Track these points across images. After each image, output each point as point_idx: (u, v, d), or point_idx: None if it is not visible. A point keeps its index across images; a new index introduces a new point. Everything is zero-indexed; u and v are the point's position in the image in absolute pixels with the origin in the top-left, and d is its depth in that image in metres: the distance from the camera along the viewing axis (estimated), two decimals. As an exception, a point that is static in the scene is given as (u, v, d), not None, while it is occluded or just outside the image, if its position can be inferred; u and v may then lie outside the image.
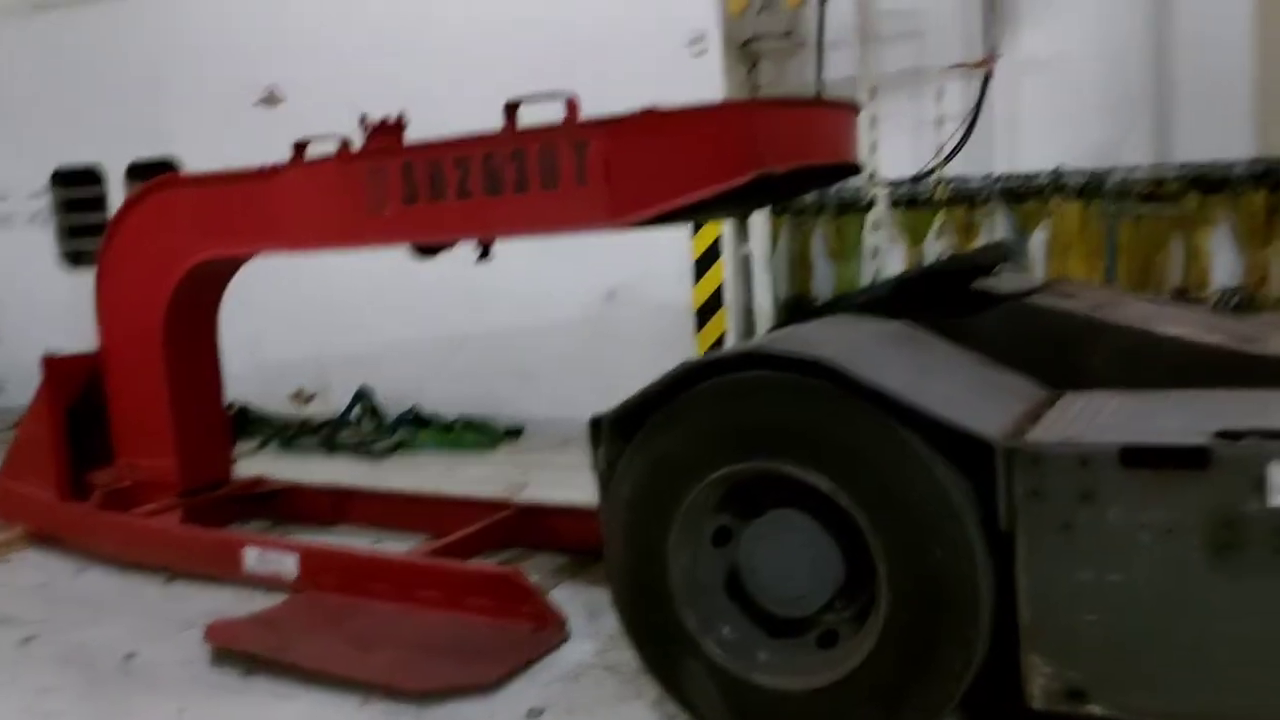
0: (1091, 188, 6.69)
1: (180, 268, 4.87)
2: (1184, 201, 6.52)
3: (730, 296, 7.05)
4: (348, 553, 4.63)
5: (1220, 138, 6.51)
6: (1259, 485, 2.40)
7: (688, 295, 7.09)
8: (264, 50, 8.09)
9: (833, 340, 3.10)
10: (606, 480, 3.28)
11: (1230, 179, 6.41)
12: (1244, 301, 6.41)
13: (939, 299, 3.74)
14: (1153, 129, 6.68)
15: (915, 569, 2.75)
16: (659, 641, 3.18)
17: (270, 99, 8.09)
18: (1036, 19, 6.98)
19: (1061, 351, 3.31)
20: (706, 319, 7.09)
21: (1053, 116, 6.97)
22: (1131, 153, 6.71)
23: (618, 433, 3.23)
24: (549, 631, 3.85)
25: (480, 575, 4.10)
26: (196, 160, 7.59)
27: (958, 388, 3.02)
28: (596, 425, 3.29)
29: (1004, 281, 3.82)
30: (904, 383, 2.81)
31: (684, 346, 6.96)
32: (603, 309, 7.42)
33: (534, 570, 4.55)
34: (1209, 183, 6.46)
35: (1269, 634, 2.45)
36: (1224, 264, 6.60)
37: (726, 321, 7.06)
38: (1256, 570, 2.43)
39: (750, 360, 2.99)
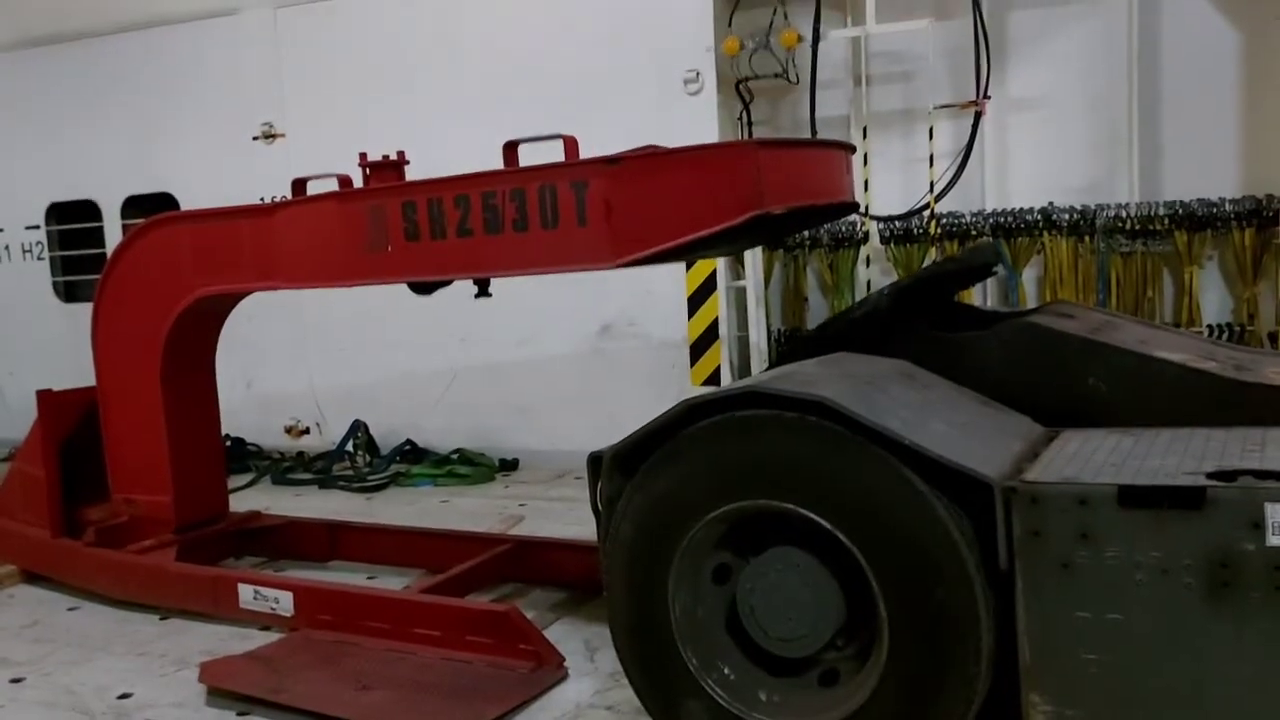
0: (1082, 224, 6.77)
1: (179, 303, 4.88)
2: (1172, 239, 6.59)
3: (725, 330, 7.10)
4: (343, 590, 4.60)
5: (1207, 176, 6.60)
6: (1254, 525, 2.43)
7: (682, 329, 7.14)
8: (263, 86, 8.15)
9: (833, 379, 3.13)
10: (607, 517, 3.29)
11: (1218, 216, 6.49)
12: (1235, 337, 6.47)
13: (938, 310, 3.80)
14: (1141, 167, 6.78)
15: (916, 608, 2.77)
16: (659, 681, 3.18)
17: (268, 135, 8.15)
18: (1024, 61, 7.10)
19: (1061, 372, 3.36)
20: (701, 353, 7.13)
21: (1042, 155, 7.07)
22: (1120, 190, 6.79)
23: (618, 469, 3.25)
24: (547, 670, 3.84)
25: (477, 613, 4.09)
26: (194, 195, 7.64)
27: (956, 427, 3.05)
28: (596, 462, 3.30)
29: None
30: (903, 422, 2.84)
31: (678, 380, 7.00)
32: (597, 343, 7.46)
33: (531, 607, 4.54)
34: (1197, 220, 6.54)
35: (1265, 674, 2.47)
36: (1214, 300, 6.67)
37: (721, 355, 7.10)
38: (1252, 610, 2.45)
39: (752, 399, 3.01)
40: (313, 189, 4.49)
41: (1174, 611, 2.52)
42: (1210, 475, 2.54)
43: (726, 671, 3.11)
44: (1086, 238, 6.77)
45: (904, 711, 2.80)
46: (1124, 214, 6.67)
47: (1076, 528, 2.58)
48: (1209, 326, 6.56)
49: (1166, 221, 6.59)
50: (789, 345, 3.76)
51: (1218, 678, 2.51)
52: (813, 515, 2.88)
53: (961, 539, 2.70)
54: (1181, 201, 6.57)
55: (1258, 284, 6.47)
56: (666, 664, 3.15)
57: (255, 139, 8.19)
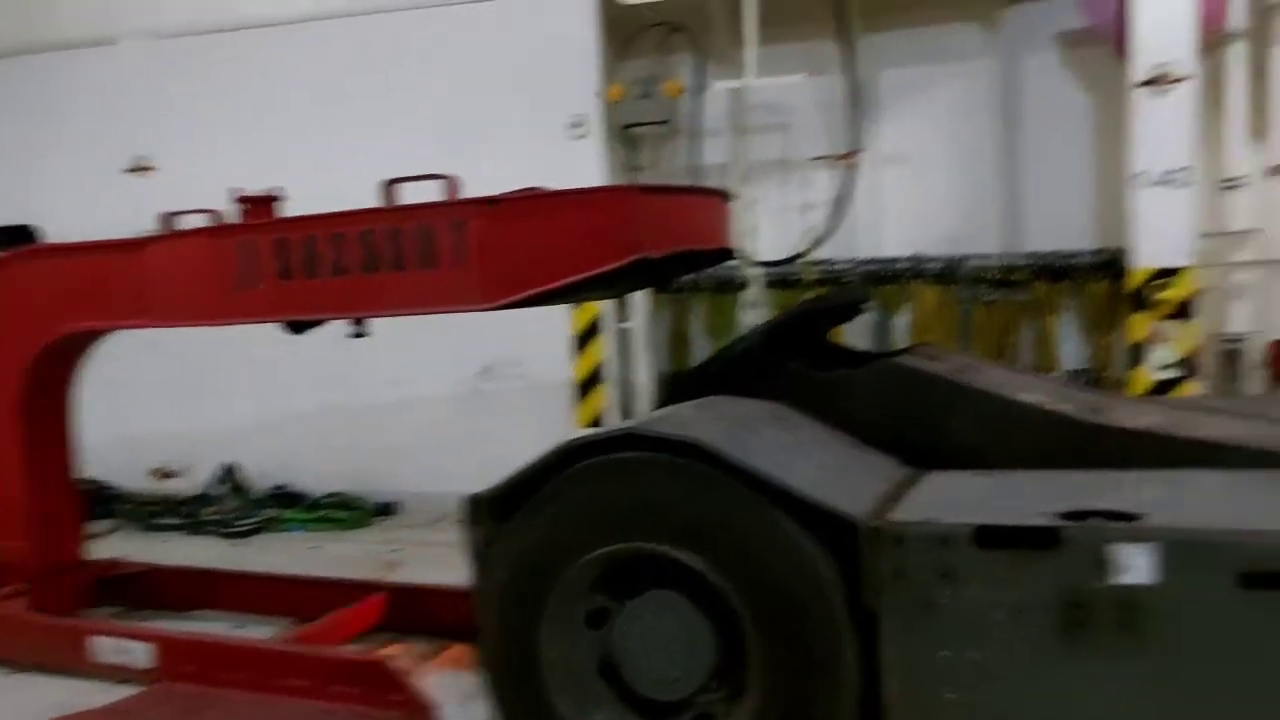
0: (947, 273, 7.06)
1: (41, 340, 4.67)
2: (1032, 288, 6.94)
3: (611, 372, 7.14)
4: (206, 640, 4.43)
5: (1065, 230, 6.98)
6: (1102, 565, 2.52)
7: (567, 370, 7.14)
8: (138, 118, 7.91)
9: (707, 421, 3.18)
10: (481, 562, 3.25)
11: (1074, 268, 6.86)
12: (1090, 383, 6.82)
13: (812, 349, 3.90)
14: (1004, 220, 7.12)
15: (785, 647, 2.81)
16: None
17: (141, 167, 7.89)
18: (896, 117, 7.41)
19: (927, 412, 3.47)
20: (587, 394, 7.15)
21: (912, 206, 7.36)
22: (984, 241, 7.12)
23: (492, 513, 3.22)
24: None
25: (347, 662, 3.98)
26: (64, 226, 7.32)
27: (825, 468, 3.13)
28: (472, 505, 3.27)
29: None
30: (774, 463, 2.90)
31: (563, 421, 6.99)
32: (479, 383, 7.40)
33: (405, 655, 4.43)
34: (1055, 271, 6.90)
35: (1115, 711, 2.55)
36: (1070, 348, 7.02)
37: (607, 397, 7.13)
38: (1102, 648, 2.54)
39: (626, 441, 3.04)
40: (185, 224, 4.36)
41: (1030, 650, 2.59)
42: (1063, 516, 2.63)
43: (600, 718, 3.10)
44: (952, 286, 7.07)
45: None
46: (987, 264, 6.99)
47: (938, 567, 2.65)
48: (1066, 373, 6.89)
49: (1027, 272, 6.94)
50: (671, 384, 3.84)
51: (1073, 715, 2.58)
52: (686, 557, 2.91)
53: (829, 579, 2.77)
54: (1041, 253, 6.93)
55: (1111, 333, 6.84)
56: (539, 711, 3.12)
57: (128, 171, 7.92)
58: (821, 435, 3.44)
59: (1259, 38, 6.41)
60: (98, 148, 7.97)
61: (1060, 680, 2.58)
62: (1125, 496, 2.79)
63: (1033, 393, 3.55)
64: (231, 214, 4.26)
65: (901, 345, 7.10)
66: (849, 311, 4.43)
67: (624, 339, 7.39)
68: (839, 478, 3.09)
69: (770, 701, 2.85)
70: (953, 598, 2.64)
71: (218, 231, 4.19)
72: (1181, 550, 2.48)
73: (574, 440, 3.11)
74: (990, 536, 2.61)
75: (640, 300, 7.43)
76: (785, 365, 3.77)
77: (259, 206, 4.22)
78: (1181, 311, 5.98)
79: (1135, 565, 2.50)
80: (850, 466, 3.26)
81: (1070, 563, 2.55)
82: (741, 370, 3.81)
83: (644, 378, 7.45)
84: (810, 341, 4.12)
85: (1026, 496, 2.88)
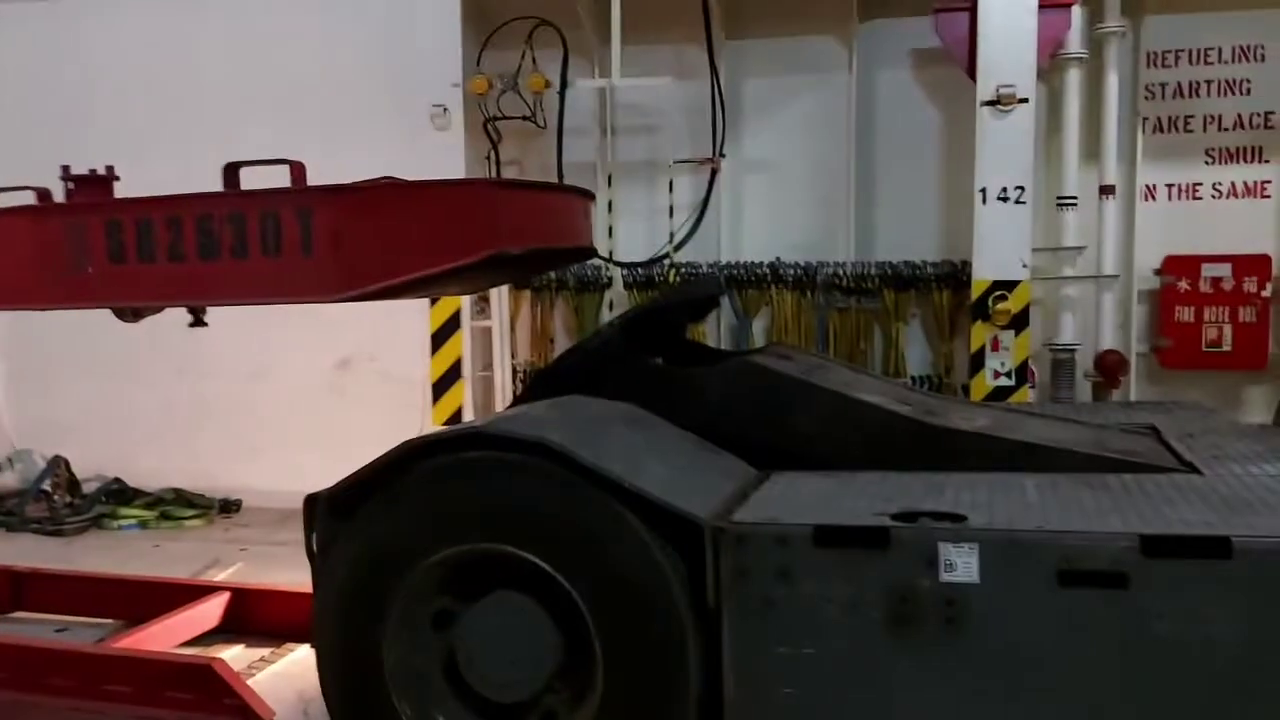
0: (805, 279, 7.25)
1: None
2: (882, 297, 7.18)
3: (468, 369, 7.03)
4: (23, 643, 4.16)
5: (913, 240, 7.24)
6: (930, 563, 2.63)
7: (425, 367, 7.01)
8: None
9: (557, 421, 3.17)
10: (321, 563, 3.16)
11: (920, 278, 7.14)
12: (933, 387, 7.10)
13: (669, 345, 3.94)
14: (857, 229, 7.34)
15: (630, 645, 2.83)
16: None
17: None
18: (757, 125, 7.54)
19: (775, 408, 3.58)
20: (443, 391, 7.03)
21: (772, 213, 7.51)
22: (839, 249, 7.33)
23: (333, 513, 3.13)
24: (254, 724, 3.61)
25: (177, 666, 3.81)
26: None
27: (675, 469, 3.16)
28: (312, 504, 3.17)
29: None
30: (624, 464, 2.91)
31: (420, 418, 6.85)
32: (334, 378, 7.20)
33: (242, 658, 4.28)
34: (903, 280, 7.16)
35: (942, 701, 2.66)
36: (916, 354, 7.30)
37: (464, 394, 7.02)
38: (928, 642, 2.65)
39: (472, 440, 2.99)
40: (7, 202, 4.07)
41: (862, 645, 2.68)
42: (894, 517, 2.73)
43: (440, 716, 3.04)
44: (809, 292, 7.25)
45: None
46: (841, 272, 7.20)
47: (777, 566, 2.71)
48: (912, 377, 7.17)
49: (877, 280, 7.18)
50: (529, 381, 3.83)
51: (901, 707, 2.68)
52: (532, 557, 2.89)
53: (674, 577, 2.79)
54: (890, 263, 7.18)
55: (953, 340, 7.14)
56: (380, 715, 3.04)
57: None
58: (673, 436, 3.47)
59: (1095, 64, 6.80)
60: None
61: (889, 674, 2.68)
62: (953, 498, 2.91)
63: (874, 394, 3.71)
64: (60, 193, 4.00)
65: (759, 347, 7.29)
66: (705, 305, 4.48)
67: (482, 336, 7.31)
68: (688, 479, 3.12)
69: (614, 701, 2.85)
70: (790, 595, 2.71)
71: (42, 211, 3.92)
72: (1003, 550, 2.61)
73: (418, 439, 3.05)
74: (826, 536, 2.69)
75: (499, 296, 7.36)
76: (641, 361, 3.81)
77: (91, 186, 3.97)
78: (1017, 322, 6.29)
79: (960, 564, 2.61)
80: (699, 468, 3.30)
81: (899, 561, 2.65)
82: (598, 365, 3.83)
83: (502, 376, 7.38)
84: (667, 337, 4.16)
85: (862, 497, 2.98)
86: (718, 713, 2.81)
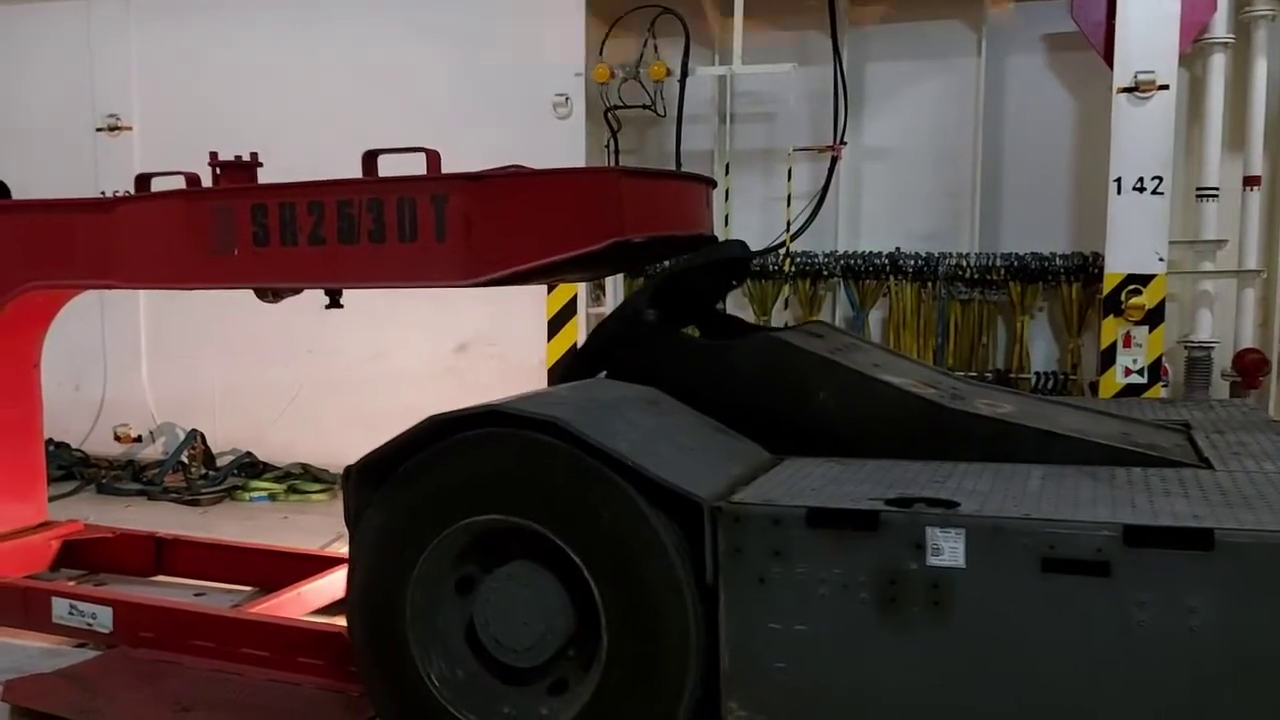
0: (925, 270, 7.10)
1: (4, 297, 4.58)
2: (1007, 289, 6.99)
3: (583, 355, 7.10)
4: (167, 605, 4.38)
5: (1041, 232, 7.02)
6: (917, 546, 2.68)
7: (542, 351, 7.12)
8: (111, 76, 7.79)
9: (572, 402, 3.29)
10: (354, 529, 3.32)
11: (1049, 270, 6.91)
12: (1059, 385, 6.89)
13: (698, 312, 3.99)
14: (981, 219, 7.16)
15: (633, 618, 2.93)
16: (396, 693, 3.24)
17: (114, 127, 7.77)
18: (880, 112, 7.42)
19: (796, 385, 3.59)
20: (558, 377, 7.12)
21: (892, 202, 7.38)
22: (962, 240, 7.16)
23: (365, 483, 3.29)
24: (381, 692, 3.73)
25: (309, 633, 3.97)
26: (32, 184, 7.19)
27: (684, 450, 3.23)
28: (347, 474, 3.34)
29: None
30: (632, 444, 3.01)
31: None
32: (453, 361, 7.36)
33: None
34: (1030, 273, 6.95)
35: (926, 681, 2.72)
36: (1042, 349, 7.08)
37: (578, 379, 7.10)
38: (915, 623, 2.70)
39: (490, 418, 3.12)
40: (159, 186, 4.30)
41: (851, 624, 2.76)
42: (887, 501, 2.79)
43: (464, 682, 3.19)
44: (929, 283, 7.11)
45: (618, 715, 2.95)
46: (964, 263, 7.03)
47: (771, 545, 2.80)
48: (1036, 374, 6.96)
49: (1002, 272, 6.98)
50: (570, 358, 3.90)
51: (888, 684, 2.75)
52: (543, 529, 3.02)
53: (676, 554, 2.88)
54: (1017, 254, 6.97)
55: (1082, 336, 6.90)
56: (404, 677, 3.20)
57: (100, 130, 7.79)
58: (690, 420, 3.52)
59: (1240, 49, 6.47)
60: (69, 106, 7.83)
61: (877, 652, 2.75)
62: (954, 486, 2.96)
63: (901, 375, 3.68)
64: (209, 178, 4.20)
65: (874, 340, 7.18)
66: (734, 269, 4.38)
67: (598, 322, 7.37)
68: (696, 460, 3.19)
69: (616, 669, 2.95)
70: (784, 574, 2.80)
71: (192, 195, 4.13)
72: (988, 536, 2.65)
73: (442, 415, 3.18)
74: (819, 518, 2.77)
75: (614, 284, 7.42)
76: (670, 333, 3.87)
77: (236, 172, 4.15)
78: (1151, 318, 6.05)
79: (948, 549, 2.67)
80: (710, 450, 3.35)
81: (889, 544, 2.72)
82: (626, 340, 3.90)
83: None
84: (698, 306, 4.17)
85: (864, 483, 3.04)
86: (715, 685, 2.89)
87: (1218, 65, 6.42)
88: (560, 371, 4.09)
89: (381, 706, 3.32)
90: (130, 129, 7.77)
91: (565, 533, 2.98)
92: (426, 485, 3.19)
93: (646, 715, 2.91)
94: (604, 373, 3.93)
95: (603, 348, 3.96)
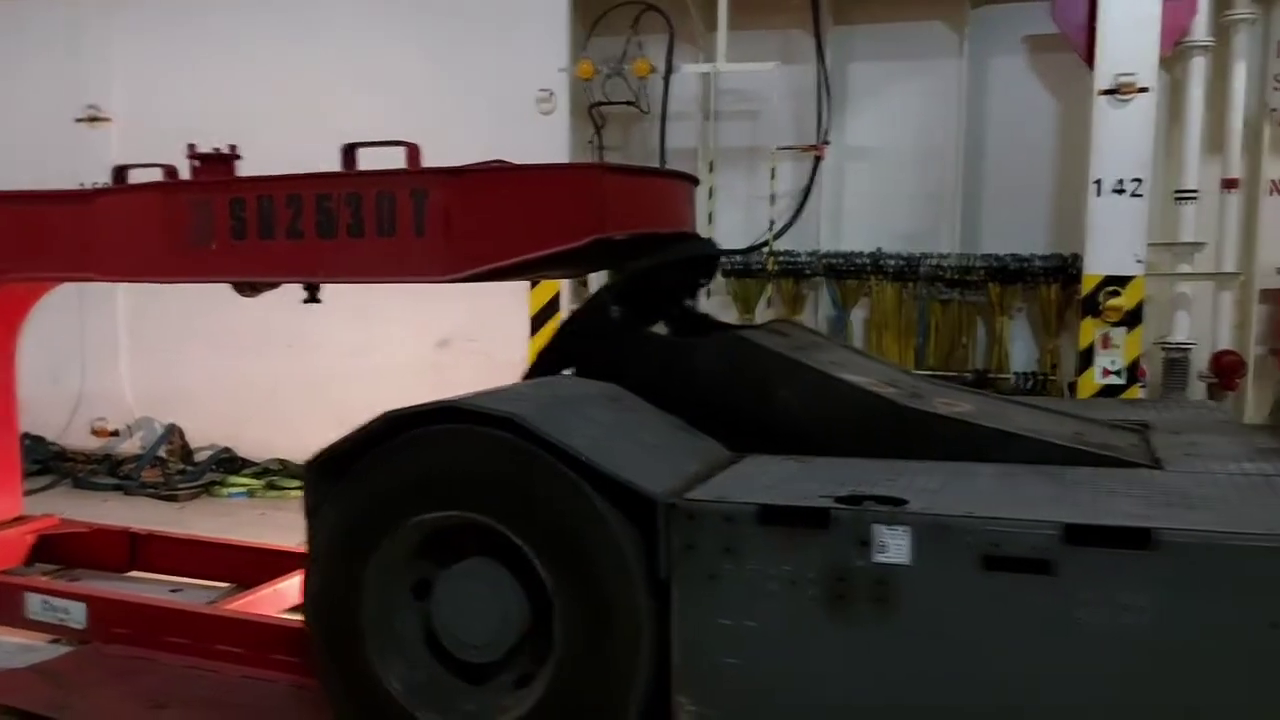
0: (906, 271, 7.12)
1: (-21, 289, 4.54)
2: (986, 290, 7.02)
3: (565, 352, 7.09)
4: (141, 601, 4.35)
5: (1020, 233, 7.06)
6: (863, 543, 2.71)
7: (524, 349, 7.10)
8: (92, 67, 7.73)
9: (532, 398, 3.29)
10: (311, 523, 3.32)
11: (1028, 271, 6.95)
12: (1038, 385, 6.92)
13: (667, 310, 4.02)
14: (962, 220, 7.19)
15: (587, 614, 2.95)
16: (354, 693, 3.22)
17: (94, 118, 7.71)
18: (862, 111, 7.43)
19: (759, 383, 3.61)
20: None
21: (874, 202, 7.40)
22: (942, 241, 7.19)
23: (322, 477, 3.28)
24: (357, 689, 3.71)
25: (286, 630, 3.93)
26: (8, 176, 7.13)
27: (643, 448, 3.25)
28: (307, 468, 3.33)
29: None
30: (589, 440, 3.02)
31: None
32: (435, 357, 7.34)
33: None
34: (1009, 274, 6.98)
35: (872, 675, 2.75)
36: (1021, 350, 7.12)
37: (560, 377, 7.09)
38: (861, 619, 2.74)
39: (448, 413, 3.12)
40: (137, 178, 4.26)
41: (800, 620, 2.79)
42: (837, 499, 2.82)
43: (421, 680, 3.18)
44: (910, 283, 7.13)
45: (569, 710, 2.96)
46: (944, 264, 7.05)
47: (723, 542, 2.83)
48: (1016, 374, 6.99)
49: (982, 273, 7.01)
50: (540, 355, 3.93)
51: (836, 679, 2.78)
52: (498, 525, 3.03)
53: (630, 550, 2.90)
54: (996, 255, 7.00)
55: (1060, 336, 6.94)
56: (360, 674, 3.19)
57: (79, 121, 7.73)
58: (652, 418, 3.53)
59: (1219, 53, 6.52)
60: (48, 96, 7.76)
61: (825, 648, 2.78)
62: (906, 484, 2.98)
63: (862, 374, 3.71)
64: (187, 169, 4.17)
65: (857, 342, 7.21)
66: (702, 267, 4.37)
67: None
68: (654, 458, 3.20)
69: (570, 665, 2.97)
70: (735, 570, 2.83)
71: (170, 187, 4.09)
72: (932, 534, 2.68)
73: (397, 410, 3.17)
74: (769, 515, 2.80)
75: (598, 281, 7.40)
76: (636, 331, 3.88)
77: (214, 164, 4.12)
78: (1129, 319, 6.09)
79: (893, 546, 2.70)
80: (670, 448, 3.36)
81: (837, 541, 2.75)
82: (593, 337, 3.90)
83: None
84: (667, 304, 4.19)
85: (818, 481, 3.06)
86: (666, 679, 2.91)
87: (1198, 68, 6.46)
88: (528, 367, 4.08)
89: (340, 709, 3.30)
90: (109, 120, 7.71)
91: (520, 528, 3.00)
92: (381, 481, 3.19)
93: (598, 709, 2.93)
94: (572, 369, 3.93)
95: (569, 344, 3.98)
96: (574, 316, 4.19)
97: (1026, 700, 2.64)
